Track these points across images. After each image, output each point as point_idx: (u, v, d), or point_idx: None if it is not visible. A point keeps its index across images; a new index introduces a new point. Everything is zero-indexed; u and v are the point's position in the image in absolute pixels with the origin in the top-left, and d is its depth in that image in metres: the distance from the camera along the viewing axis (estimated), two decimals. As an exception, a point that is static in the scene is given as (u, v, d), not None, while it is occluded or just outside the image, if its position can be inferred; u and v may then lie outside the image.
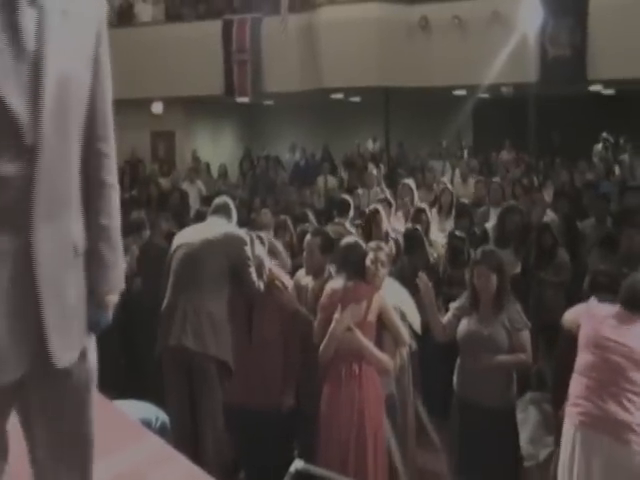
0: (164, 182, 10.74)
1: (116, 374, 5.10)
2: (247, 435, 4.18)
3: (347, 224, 6.08)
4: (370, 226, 5.70)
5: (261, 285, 4.22)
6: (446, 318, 4.22)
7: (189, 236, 4.36)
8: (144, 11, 14.23)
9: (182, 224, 6.43)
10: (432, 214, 6.52)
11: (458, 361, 4.17)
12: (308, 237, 4.60)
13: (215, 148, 15.37)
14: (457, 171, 10.20)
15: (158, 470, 2.29)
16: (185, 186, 10.17)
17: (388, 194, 8.16)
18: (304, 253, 4.65)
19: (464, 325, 4.08)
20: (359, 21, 12.19)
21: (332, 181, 9.63)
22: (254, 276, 4.18)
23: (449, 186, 7.85)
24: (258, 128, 16.43)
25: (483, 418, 3.95)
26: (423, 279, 4.18)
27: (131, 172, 11.84)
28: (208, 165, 12.68)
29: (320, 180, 10.16)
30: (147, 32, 13.77)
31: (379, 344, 4.00)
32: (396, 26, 12.41)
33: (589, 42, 11.05)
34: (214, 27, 13.21)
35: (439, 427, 4.69)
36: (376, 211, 5.82)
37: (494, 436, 3.95)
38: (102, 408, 2.66)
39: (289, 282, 4.49)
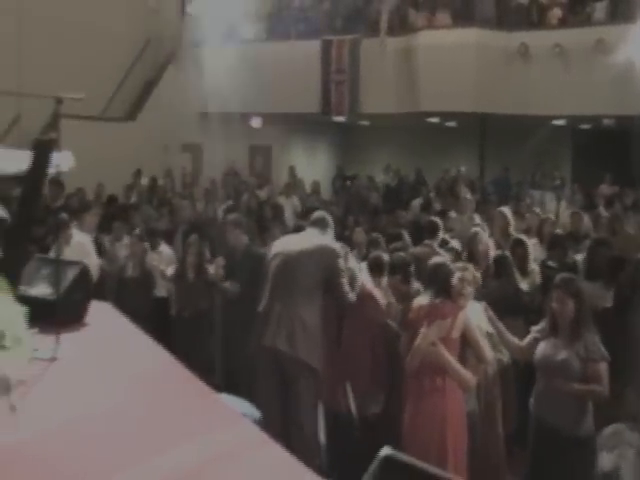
0: (261, 194, 11.17)
1: (211, 370, 5.44)
2: (333, 438, 4.48)
3: (435, 246, 6.28)
4: (471, 249, 5.90)
5: (353, 296, 4.53)
6: (526, 340, 4.40)
7: (287, 245, 4.72)
8: (247, 29, 14.83)
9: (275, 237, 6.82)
10: (532, 243, 6.60)
11: (535, 384, 4.31)
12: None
13: (309, 164, 15.79)
14: (563, 202, 10.19)
15: (253, 453, 2.45)
16: (281, 200, 10.56)
17: (479, 220, 8.31)
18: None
19: (541, 348, 4.24)
20: (458, 46, 12.39)
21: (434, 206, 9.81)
22: (346, 287, 4.48)
23: (551, 217, 7.92)
24: (352, 147, 16.79)
25: (555, 442, 4.08)
26: (485, 307, 4.44)
27: (231, 184, 12.32)
28: (302, 181, 13.07)
29: (416, 202, 10.31)
30: (249, 49, 14.36)
31: (462, 361, 4.24)
32: (495, 52, 12.54)
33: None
34: (313, 46, 13.68)
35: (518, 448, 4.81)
36: (476, 235, 6.05)
37: (565, 461, 4.05)
38: (202, 396, 3.00)
39: (380, 296, 4.77)
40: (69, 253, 5.32)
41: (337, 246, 4.66)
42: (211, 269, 6.40)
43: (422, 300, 4.34)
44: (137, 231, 7.60)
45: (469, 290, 4.40)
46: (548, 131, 13.81)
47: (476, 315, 4.48)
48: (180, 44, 14.50)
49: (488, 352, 4.33)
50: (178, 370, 3.29)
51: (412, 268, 4.79)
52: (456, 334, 4.20)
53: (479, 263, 5.69)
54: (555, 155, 14.90)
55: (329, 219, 4.84)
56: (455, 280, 4.36)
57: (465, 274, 4.40)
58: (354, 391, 4.51)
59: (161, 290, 6.95)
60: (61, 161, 3.35)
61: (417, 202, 10.41)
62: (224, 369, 6.01)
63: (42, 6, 12.32)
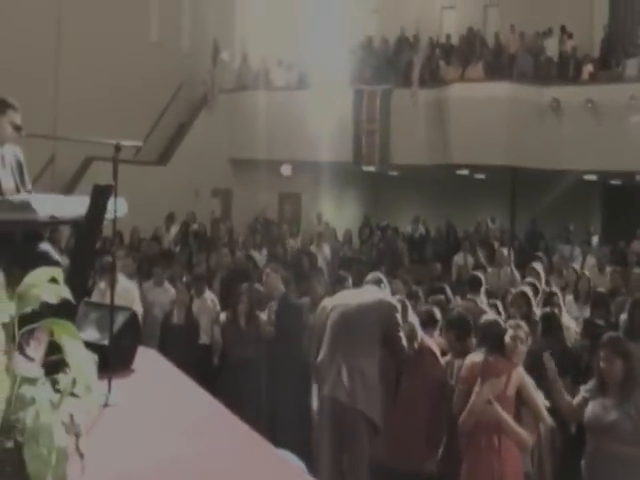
0: (292, 243, 11.22)
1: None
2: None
3: (478, 301, 6.25)
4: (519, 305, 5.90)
5: (411, 351, 4.53)
6: (576, 399, 4.33)
7: (346, 298, 4.77)
8: (279, 76, 15.09)
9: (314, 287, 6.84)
10: (568, 300, 6.57)
11: (587, 445, 4.20)
12: None
13: (338, 213, 15.85)
14: (588, 258, 10.13)
15: None
16: (312, 249, 10.60)
17: (518, 275, 8.25)
18: None
19: (589, 409, 4.16)
20: (489, 99, 12.52)
21: (470, 260, 9.77)
22: (404, 341, 4.50)
23: (586, 273, 7.89)
24: (381, 197, 16.86)
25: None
26: (547, 357, 4.36)
27: (262, 231, 12.41)
28: (335, 229, 13.13)
29: (459, 258, 10.29)
30: (280, 96, 14.56)
31: (518, 420, 4.17)
32: (526, 106, 12.65)
33: None
34: (345, 95, 13.83)
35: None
36: (524, 293, 6.04)
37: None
38: (261, 450, 2.96)
39: (438, 351, 4.72)
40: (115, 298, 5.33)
41: (394, 300, 4.71)
42: (263, 316, 6.41)
43: (475, 357, 4.31)
44: (185, 278, 7.64)
45: (522, 348, 4.34)
46: (579, 186, 13.80)
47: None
48: (212, 89, 14.73)
49: (545, 411, 4.26)
50: (232, 421, 3.28)
51: (470, 324, 4.74)
52: (511, 392, 4.16)
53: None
54: (585, 210, 14.87)
55: (384, 279, 4.93)
56: (508, 338, 4.32)
57: (518, 332, 4.35)
58: (410, 448, 4.45)
59: (203, 337, 6.95)
60: (117, 207, 3.37)
61: (461, 257, 10.32)
62: (269, 418, 5.97)
63: (77, 51, 12.64)
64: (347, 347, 4.43)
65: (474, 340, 4.63)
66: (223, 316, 6.70)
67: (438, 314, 5.12)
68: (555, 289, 6.81)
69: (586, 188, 14.04)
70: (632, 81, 12.37)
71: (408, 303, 4.88)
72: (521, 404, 4.22)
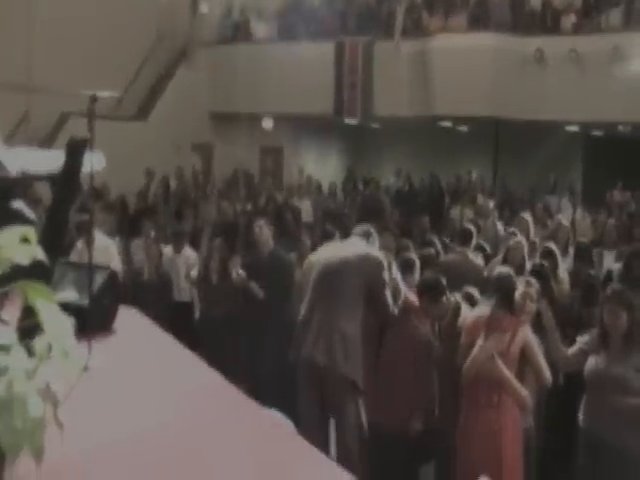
0: (278, 197, 11.04)
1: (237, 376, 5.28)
2: (373, 455, 4.27)
3: (469, 253, 6.15)
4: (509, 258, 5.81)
5: (395, 309, 4.32)
6: (572, 350, 4.23)
7: (329, 253, 4.48)
8: (259, 28, 14.72)
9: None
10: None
11: (585, 398, 4.15)
12: None
13: (320, 166, 15.68)
14: (579, 209, 10.06)
15: (307, 473, 2.37)
16: (295, 202, 10.43)
17: (501, 227, 8.16)
18: None
19: (592, 363, 4.08)
20: (473, 50, 12.29)
21: (468, 212, 9.64)
22: (389, 299, 4.26)
23: (565, 222, 7.79)
24: (363, 150, 16.66)
25: (609, 459, 3.92)
26: (544, 305, 4.25)
27: (246, 184, 12.19)
28: (319, 183, 12.94)
29: (455, 210, 10.12)
30: (261, 49, 14.24)
31: (520, 378, 4.05)
32: (510, 57, 12.41)
33: None
34: (326, 48, 13.55)
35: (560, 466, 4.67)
36: (519, 244, 5.96)
37: (620, 475, 3.91)
38: (250, 411, 2.84)
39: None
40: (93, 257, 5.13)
41: (381, 255, 4.39)
42: (234, 272, 6.22)
43: (482, 310, 4.16)
44: (152, 234, 7.40)
45: (532, 306, 4.21)
46: (561, 137, 13.69)
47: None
48: (192, 43, 14.34)
49: (547, 371, 4.14)
50: (218, 381, 3.13)
51: (442, 284, 4.52)
52: (515, 349, 4.01)
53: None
54: (567, 161, 14.77)
55: (373, 232, 4.55)
56: (518, 295, 4.17)
57: (529, 289, 4.23)
58: (395, 408, 4.32)
59: (183, 295, 6.78)
60: (94, 162, 3.17)
61: (457, 209, 10.17)
62: (250, 375, 5.82)
63: (52, 4, 12.14)
64: (328, 305, 4.17)
65: (450, 298, 4.47)
66: (195, 272, 6.48)
67: (415, 258, 4.93)
68: (551, 245, 6.71)
69: (569, 139, 13.91)
70: (615, 31, 12.14)
71: (392, 258, 4.62)
72: (524, 363, 4.07)
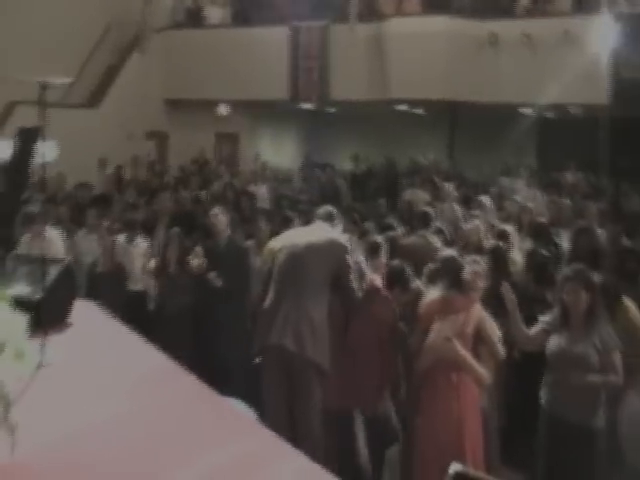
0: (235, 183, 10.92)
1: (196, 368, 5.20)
2: (340, 439, 4.27)
3: (429, 235, 6.18)
4: (467, 240, 5.88)
5: (360, 293, 4.31)
6: (534, 330, 4.28)
7: (293, 238, 4.46)
8: (213, 13, 14.52)
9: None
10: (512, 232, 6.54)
11: (547, 377, 4.21)
12: None
13: (277, 152, 15.58)
14: (530, 190, 10.17)
15: (271, 464, 2.34)
16: (251, 188, 10.34)
17: (460, 210, 8.21)
18: None
19: (554, 342, 4.14)
20: (427, 34, 12.29)
21: (419, 194, 9.65)
22: (354, 283, 4.26)
23: (530, 205, 7.89)
24: (320, 135, 16.58)
25: (571, 435, 3.99)
26: (506, 286, 4.28)
27: (200, 172, 12.04)
28: (275, 169, 12.84)
29: (408, 193, 10.15)
30: (215, 34, 14.05)
31: (475, 356, 4.10)
32: (465, 41, 12.45)
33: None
34: (282, 32, 13.43)
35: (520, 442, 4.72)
36: (477, 226, 6.05)
37: (580, 453, 3.97)
38: (209, 400, 2.79)
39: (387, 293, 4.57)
40: (37, 249, 4.98)
41: (345, 239, 4.42)
42: (193, 262, 6.13)
43: (433, 294, 4.17)
44: (105, 224, 7.25)
45: (481, 284, 4.24)
46: (516, 119, 13.81)
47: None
48: (144, 29, 14.05)
49: (501, 347, 4.18)
50: (177, 372, 3.07)
51: (409, 274, 4.58)
52: (470, 329, 4.07)
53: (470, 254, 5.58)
54: (521, 143, 14.93)
55: (337, 214, 4.61)
56: (467, 274, 4.20)
57: (476, 267, 4.25)
58: (362, 392, 4.32)
59: (137, 284, 6.66)
60: (46, 150, 3.06)
61: (409, 192, 10.19)
62: (210, 366, 5.75)
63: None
64: (295, 292, 4.18)
65: (416, 283, 4.50)
66: (153, 263, 6.37)
67: (380, 241, 4.95)
68: (507, 226, 6.78)
69: (522, 122, 14.05)
70: (566, 15, 12.29)
71: (356, 241, 4.64)
72: (479, 340, 4.12)
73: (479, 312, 4.14)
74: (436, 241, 6.13)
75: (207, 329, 6.01)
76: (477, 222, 6.43)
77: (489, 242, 5.90)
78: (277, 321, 4.15)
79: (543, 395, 4.19)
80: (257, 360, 4.30)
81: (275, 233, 6.43)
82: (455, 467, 1.71)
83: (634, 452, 4.68)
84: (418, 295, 4.46)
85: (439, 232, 6.59)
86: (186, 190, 9.85)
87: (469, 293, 4.19)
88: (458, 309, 4.08)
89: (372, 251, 4.75)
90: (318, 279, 4.20)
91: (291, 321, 4.11)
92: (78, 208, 7.86)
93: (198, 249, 6.22)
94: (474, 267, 4.25)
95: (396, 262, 4.80)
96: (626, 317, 5.08)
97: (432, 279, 4.45)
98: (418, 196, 9.53)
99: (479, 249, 5.62)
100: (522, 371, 4.88)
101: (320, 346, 4.11)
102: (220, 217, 6.27)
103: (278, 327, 4.13)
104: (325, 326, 4.17)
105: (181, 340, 5.82)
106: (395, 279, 4.52)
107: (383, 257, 4.82)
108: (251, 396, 4.42)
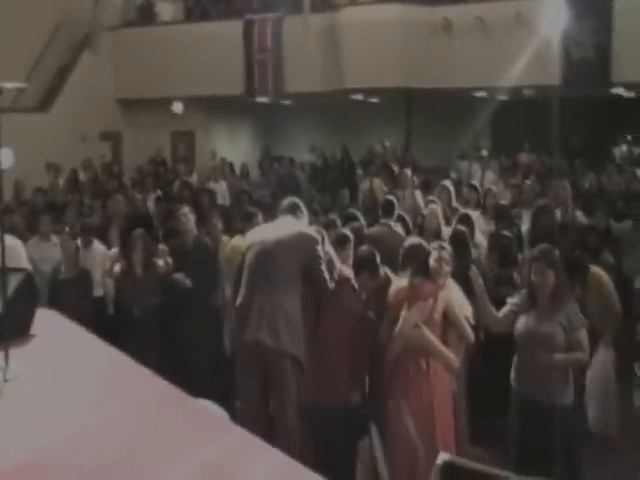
0: (192, 181, 10.80)
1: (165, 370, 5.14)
2: (316, 432, 4.29)
3: (392, 224, 6.22)
4: (424, 225, 5.90)
5: (331, 284, 4.33)
6: (502, 312, 4.32)
7: (262, 235, 4.47)
8: (165, 10, 14.36)
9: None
10: (475, 216, 6.59)
11: (515, 358, 4.26)
12: None
13: (233, 147, 15.49)
14: (488, 172, 10.26)
15: (248, 462, 2.29)
16: (210, 185, 10.23)
17: (420, 196, 8.24)
18: None
19: (522, 322, 4.17)
20: (381, 22, 12.29)
21: (377, 183, 9.65)
22: (326, 275, 4.29)
23: (493, 188, 7.97)
24: (276, 128, 16.51)
25: (541, 415, 4.04)
26: (474, 270, 4.33)
27: (155, 172, 11.89)
28: (232, 165, 12.80)
29: (365, 183, 10.14)
30: (167, 31, 13.91)
31: (443, 341, 4.14)
32: (418, 27, 12.50)
33: (613, 44, 11.08)
34: (235, 26, 13.33)
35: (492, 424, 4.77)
36: (434, 211, 6.07)
37: (551, 431, 4.01)
38: (183, 404, 2.74)
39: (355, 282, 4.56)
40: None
41: (314, 231, 4.45)
42: (159, 263, 6.04)
43: (400, 282, 4.19)
44: (67, 229, 7.10)
45: (447, 269, 4.27)
46: (470, 103, 13.91)
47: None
48: (95, 28, 13.81)
49: (469, 330, 4.24)
50: (146, 377, 3.01)
51: (377, 260, 4.59)
52: (438, 315, 4.11)
53: (429, 239, 5.61)
54: (477, 126, 15.07)
55: (301, 205, 4.64)
56: (432, 260, 4.23)
57: (442, 253, 4.28)
58: (334, 383, 4.33)
59: (98, 290, 6.55)
60: (2, 158, 2.96)
61: (367, 182, 10.18)
62: (180, 368, 5.68)
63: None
64: (267, 286, 4.20)
65: (384, 270, 4.52)
66: (118, 267, 6.25)
67: (348, 233, 4.96)
68: (468, 210, 6.84)
69: (477, 105, 14.16)
70: (517, -2, 12.41)
71: (324, 233, 4.62)
72: (447, 325, 4.16)
73: (446, 297, 4.18)
74: (400, 230, 6.14)
75: (176, 331, 5.96)
76: (434, 207, 6.44)
77: (453, 227, 5.93)
78: (252, 317, 4.16)
79: (513, 376, 4.23)
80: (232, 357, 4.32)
81: (237, 230, 6.42)
82: (443, 456, 1.73)
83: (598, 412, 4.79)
84: (386, 283, 4.47)
85: (401, 220, 6.61)
86: (143, 191, 9.70)
87: (436, 279, 4.22)
88: (426, 295, 4.10)
89: (340, 243, 4.76)
90: (290, 272, 4.23)
91: (266, 315, 4.13)
92: (33, 214, 7.67)
93: (163, 249, 6.19)
94: (440, 253, 4.28)
95: (365, 248, 4.81)
96: (599, 282, 5.20)
97: (399, 267, 4.46)
98: (376, 185, 9.54)
99: (437, 234, 5.66)
100: (488, 353, 4.94)
101: (295, 338, 4.15)
102: (189, 216, 6.27)
103: (253, 323, 4.14)
104: (299, 318, 4.20)
105: (150, 343, 5.75)
106: (363, 264, 4.54)
107: (350, 249, 4.83)
108: (222, 396, 4.41)
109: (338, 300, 4.37)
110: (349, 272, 4.55)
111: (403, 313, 4.04)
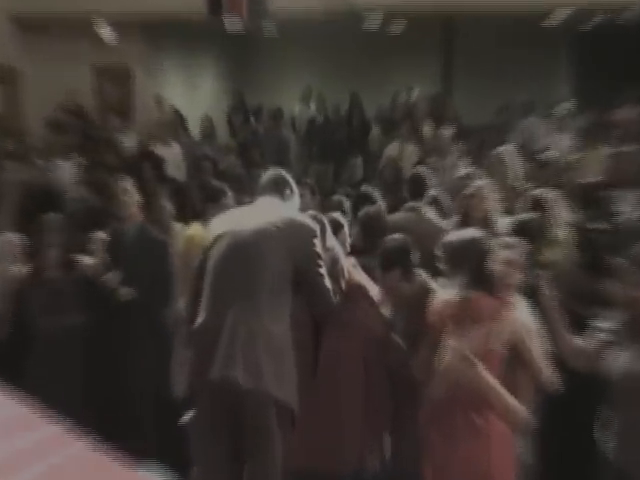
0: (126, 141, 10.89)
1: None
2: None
3: (425, 209, 6.33)
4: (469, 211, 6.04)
5: (337, 296, 4.34)
6: (586, 339, 4.30)
7: (233, 223, 4.43)
8: None
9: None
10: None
11: (607, 411, 4.22)
12: None
13: (189, 93, 15.59)
14: (565, 135, 10.32)
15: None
16: (157, 150, 10.31)
17: (465, 168, 8.28)
18: None
19: (624, 360, 4.12)
20: None
21: (410, 149, 9.71)
22: (327, 282, 4.29)
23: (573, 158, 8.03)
24: (253, 66, 16.57)
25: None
26: (544, 278, 4.39)
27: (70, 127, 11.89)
28: (185, 120, 12.90)
29: (392, 148, 10.13)
30: None
31: (511, 386, 4.11)
32: None
33: None
34: None
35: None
36: (481, 190, 6.16)
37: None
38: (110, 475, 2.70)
39: (375, 290, 4.60)
40: None
41: (309, 220, 4.42)
42: (85, 261, 6.09)
43: (446, 294, 4.22)
44: None
45: (518, 278, 4.27)
46: (538, 35, 13.99)
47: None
48: None
49: (549, 373, 4.23)
50: (61, 438, 2.96)
51: (413, 255, 4.62)
52: (499, 346, 4.10)
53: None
54: (549, 67, 15.15)
55: (289, 179, 4.65)
56: (497, 264, 4.21)
57: (511, 255, 4.28)
58: (339, 441, 4.38)
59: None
60: None
61: (395, 146, 10.27)
62: (112, 416, 5.74)
63: None
64: (242, 299, 4.16)
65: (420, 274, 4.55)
66: (18, 267, 6.29)
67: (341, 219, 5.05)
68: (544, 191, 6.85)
69: (547, 38, 14.26)
70: None
71: (326, 221, 4.63)
72: (514, 361, 4.14)
73: (516, 320, 4.15)
74: (433, 216, 6.21)
75: (107, 359, 6.03)
76: (485, 184, 6.50)
77: (516, 216, 5.95)
78: (219, 344, 4.10)
79: (604, 437, 4.21)
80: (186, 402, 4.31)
81: (196, 215, 6.43)
82: None
83: None
84: (425, 291, 4.47)
85: (435, 203, 6.65)
86: (50, 156, 9.69)
87: (501, 291, 4.20)
88: (483, 315, 4.08)
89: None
90: (275, 277, 4.22)
91: (240, 341, 4.07)
92: None
93: (94, 241, 6.23)
94: (507, 254, 4.27)
95: (396, 236, 4.84)
96: None
97: (446, 271, 4.44)
98: (408, 152, 9.59)
99: (488, 225, 5.70)
100: (563, 400, 4.93)
101: (285, 376, 4.12)
102: (132, 193, 6.37)
103: (221, 353, 4.08)
104: (289, 343, 4.18)
105: (66, 382, 5.83)
106: (394, 258, 4.57)
107: (346, 241, 4.94)
108: (172, 455, 4.40)
109: (347, 317, 4.39)
110: (362, 276, 4.58)
111: (450, 341, 4.02)
